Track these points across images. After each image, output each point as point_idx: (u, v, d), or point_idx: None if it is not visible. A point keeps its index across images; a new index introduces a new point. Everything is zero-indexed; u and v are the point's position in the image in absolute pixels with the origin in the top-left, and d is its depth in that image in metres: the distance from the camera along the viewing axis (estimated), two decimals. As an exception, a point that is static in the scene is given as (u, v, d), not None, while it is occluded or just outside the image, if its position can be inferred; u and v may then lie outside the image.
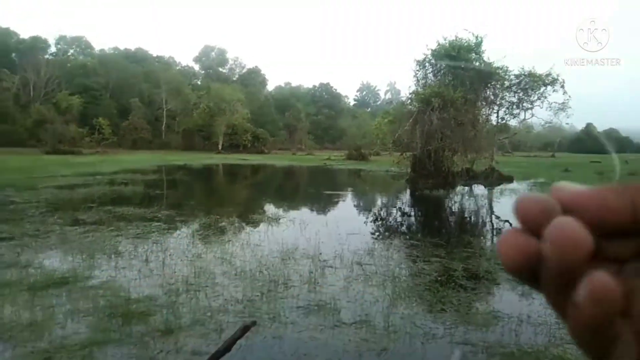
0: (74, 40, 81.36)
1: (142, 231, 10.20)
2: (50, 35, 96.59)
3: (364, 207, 17.99)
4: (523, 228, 0.30)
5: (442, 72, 27.91)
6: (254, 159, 49.65)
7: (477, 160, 27.04)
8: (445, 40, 27.76)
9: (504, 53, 35.71)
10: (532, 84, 27.70)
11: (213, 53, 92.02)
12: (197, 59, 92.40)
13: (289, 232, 10.69)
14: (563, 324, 0.30)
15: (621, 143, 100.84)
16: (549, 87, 27.71)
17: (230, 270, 7.24)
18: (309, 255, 8.27)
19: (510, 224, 7.29)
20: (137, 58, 79.89)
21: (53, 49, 78.04)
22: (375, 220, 13.80)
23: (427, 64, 28.37)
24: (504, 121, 29.45)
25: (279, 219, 12.75)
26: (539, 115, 28.90)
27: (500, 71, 27.55)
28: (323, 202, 18.12)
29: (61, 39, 79.98)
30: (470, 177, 25.39)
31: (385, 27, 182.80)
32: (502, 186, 24.68)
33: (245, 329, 4.53)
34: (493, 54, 37.72)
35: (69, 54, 79.85)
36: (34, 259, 7.63)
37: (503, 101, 28.90)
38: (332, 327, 5.15)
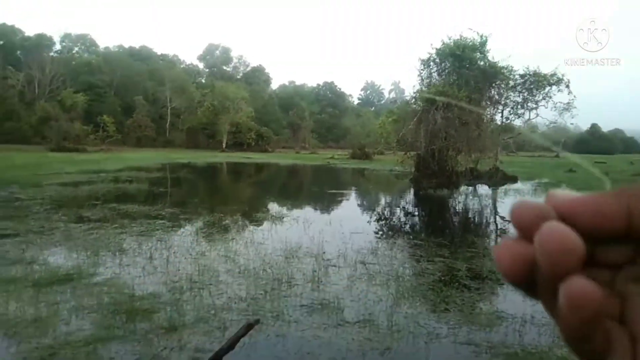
0: (78, 38, 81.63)
1: (146, 229, 10.22)
2: (55, 33, 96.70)
3: (368, 206, 17.98)
4: (519, 234, 0.29)
5: (446, 71, 27.88)
6: (258, 157, 49.70)
7: (481, 160, 26.95)
8: (450, 39, 27.73)
9: (505, 53, 35.65)
10: (537, 83, 27.63)
11: (217, 51, 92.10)
12: (201, 57, 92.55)
13: (293, 230, 10.70)
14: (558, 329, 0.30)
15: (626, 144, 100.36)
16: (553, 87, 27.65)
17: (234, 268, 7.25)
18: (313, 254, 8.27)
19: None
20: (142, 56, 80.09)
21: (58, 47, 78.40)
22: (378, 220, 13.79)
23: (431, 63, 28.35)
24: (509, 121, 29.38)
25: (283, 217, 12.76)
26: (543, 115, 28.83)
27: (505, 71, 27.49)
28: (327, 201, 18.11)
29: (66, 37, 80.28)
30: (474, 177, 25.31)
31: (389, 27, 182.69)
32: (506, 186, 24.60)
33: (249, 327, 4.54)
34: (497, 54, 37.55)
35: (74, 51, 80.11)
36: (38, 256, 7.66)
37: (508, 101, 28.84)
38: (336, 326, 5.15)
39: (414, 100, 26.46)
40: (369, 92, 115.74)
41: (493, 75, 27.19)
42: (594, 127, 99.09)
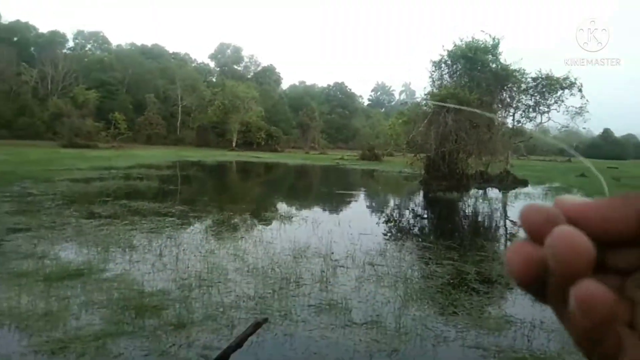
0: (91, 35, 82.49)
1: (156, 226, 10.29)
2: (68, 30, 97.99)
3: (377, 207, 17.95)
4: (529, 238, 0.29)
5: (458, 73, 27.76)
6: (267, 157, 49.81)
7: (492, 163, 26.80)
8: (461, 41, 27.61)
9: (516, 55, 35.41)
10: (549, 87, 27.40)
11: (228, 51, 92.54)
12: (212, 56, 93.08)
13: (301, 230, 10.71)
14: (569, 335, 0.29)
15: (639, 149, 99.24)
16: (566, 91, 27.40)
17: (243, 267, 7.28)
18: (321, 254, 8.27)
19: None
20: (154, 54, 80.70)
21: (71, 44, 79.41)
22: (387, 221, 13.76)
23: (443, 65, 28.24)
24: (520, 124, 29.15)
25: (292, 217, 12.77)
26: (555, 119, 28.58)
27: (517, 74, 27.29)
28: (335, 202, 18.11)
29: (79, 34, 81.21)
30: (485, 180, 25.20)
31: (401, 28, 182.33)
32: (516, 190, 24.39)
33: (257, 326, 4.56)
34: (508, 56, 37.29)
35: (87, 48, 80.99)
36: (50, 251, 7.74)
37: (519, 104, 28.63)
38: (343, 326, 5.14)
39: (424, 102, 26.42)
40: (379, 93, 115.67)
41: (505, 78, 27.02)
42: (607, 132, 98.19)
